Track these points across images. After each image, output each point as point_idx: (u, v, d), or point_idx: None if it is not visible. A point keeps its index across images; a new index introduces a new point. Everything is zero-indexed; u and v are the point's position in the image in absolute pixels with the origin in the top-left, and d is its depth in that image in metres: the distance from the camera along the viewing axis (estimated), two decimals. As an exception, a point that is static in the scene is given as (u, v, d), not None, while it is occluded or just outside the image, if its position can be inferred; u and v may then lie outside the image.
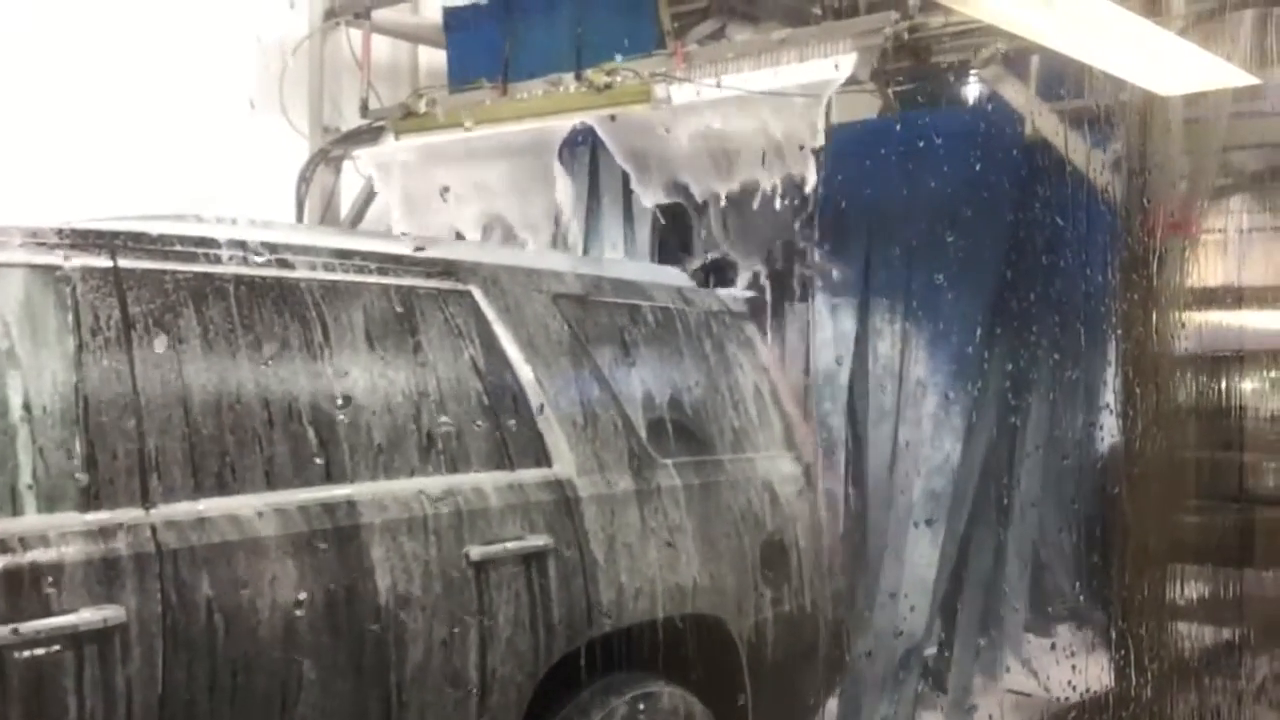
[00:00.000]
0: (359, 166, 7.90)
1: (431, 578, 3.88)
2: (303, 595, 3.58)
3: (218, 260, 3.72)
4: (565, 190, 7.35)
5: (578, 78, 7.13)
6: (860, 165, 6.89)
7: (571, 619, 4.24)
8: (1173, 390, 5.98)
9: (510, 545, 4.10)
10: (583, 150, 7.44)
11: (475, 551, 3.98)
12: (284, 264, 3.87)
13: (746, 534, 4.96)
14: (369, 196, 8.05)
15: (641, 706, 4.45)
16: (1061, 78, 6.40)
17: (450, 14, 7.86)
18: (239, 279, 3.74)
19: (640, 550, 4.51)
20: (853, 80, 6.61)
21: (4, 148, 6.48)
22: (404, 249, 4.33)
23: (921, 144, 6.82)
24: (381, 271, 4.14)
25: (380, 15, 8.24)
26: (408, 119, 7.58)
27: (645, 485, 4.61)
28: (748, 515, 4.99)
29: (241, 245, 3.79)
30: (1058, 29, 4.73)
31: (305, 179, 8.13)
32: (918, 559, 6.81)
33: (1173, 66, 5.23)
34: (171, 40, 7.36)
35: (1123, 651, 5.86)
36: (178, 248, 3.65)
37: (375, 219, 8.01)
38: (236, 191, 6.49)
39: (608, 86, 7.01)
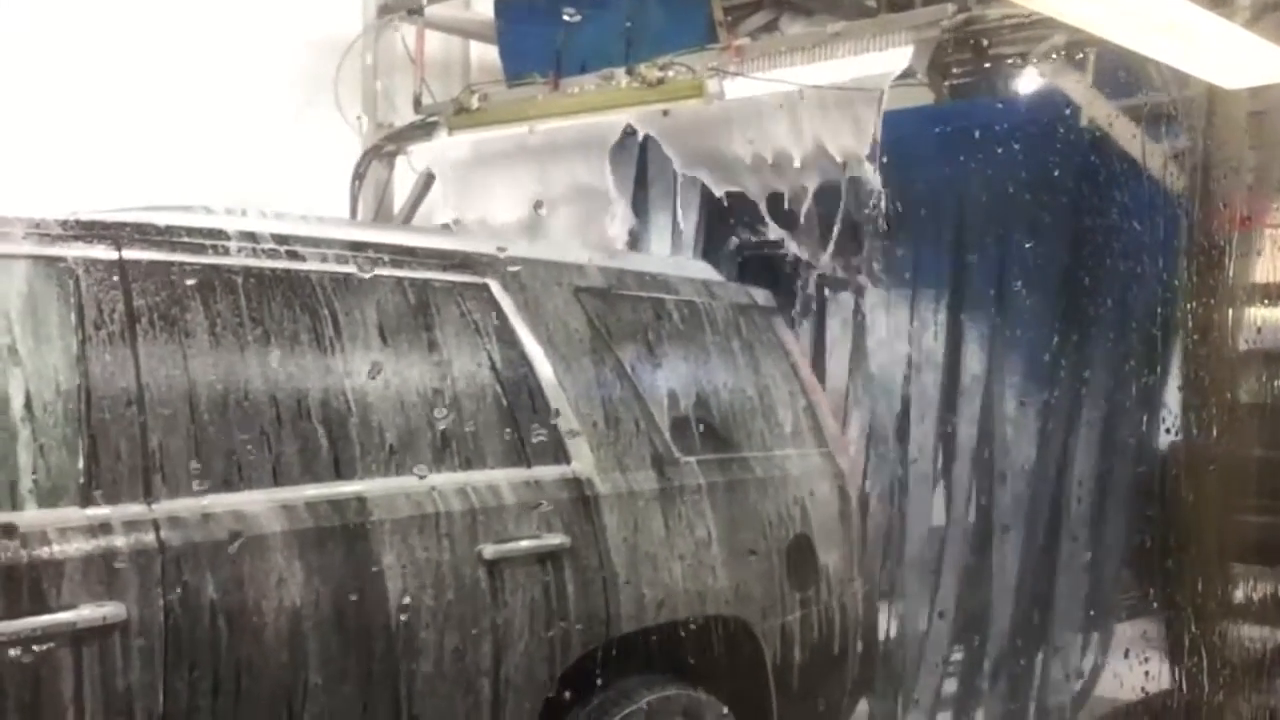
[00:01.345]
0: (412, 162, 7.81)
1: (443, 577, 3.75)
2: (310, 593, 3.48)
3: (226, 252, 3.61)
4: (614, 184, 7.24)
5: (629, 72, 7.01)
6: (913, 155, 6.72)
7: (589, 621, 4.11)
8: (1239, 388, 5.83)
9: (525, 544, 3.97)
10: (632, 141, 7.30)
11: (489, 550, 3.86)
12: (294, 256, 3.75)
13: (773, 534, 4.81)
14: (422, 192, 7.97)
15: (661, 710, 4.31)
16: (1118, 72, 6.29)
17: (502, 8, 7.75)
18: (248, 271, 3.63)
19: (661, 550, 4.37)
20: (909, 74, 6.47)
21: (63, 142, 6.44)
22: (419, 241, 4.22)
23: (977, 134, 6.68)
24: (395, 264, 4.01)
25: (433, 11, 8.13)
26: (460, 114, 7.49)
27: (668, 484, 4.46)
28: (774, 515, 4.84)
29: (251, 237, 3.69)
30: (1118, 22, 4.59)
31: (359, 175, 8.05)
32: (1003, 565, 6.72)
33: (1238, 59, 5.07)
34: (226, 36, 7.30)
35: (1186, 652, 5.71)
36: (185, 239, 3.55)
37: (427, 215, 7.91)
38: (290, 188, 6.40)
39: (660, 81, 6.91)
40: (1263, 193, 5.92)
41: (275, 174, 6.85)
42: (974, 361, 6.92)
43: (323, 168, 7.69)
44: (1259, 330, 5.82)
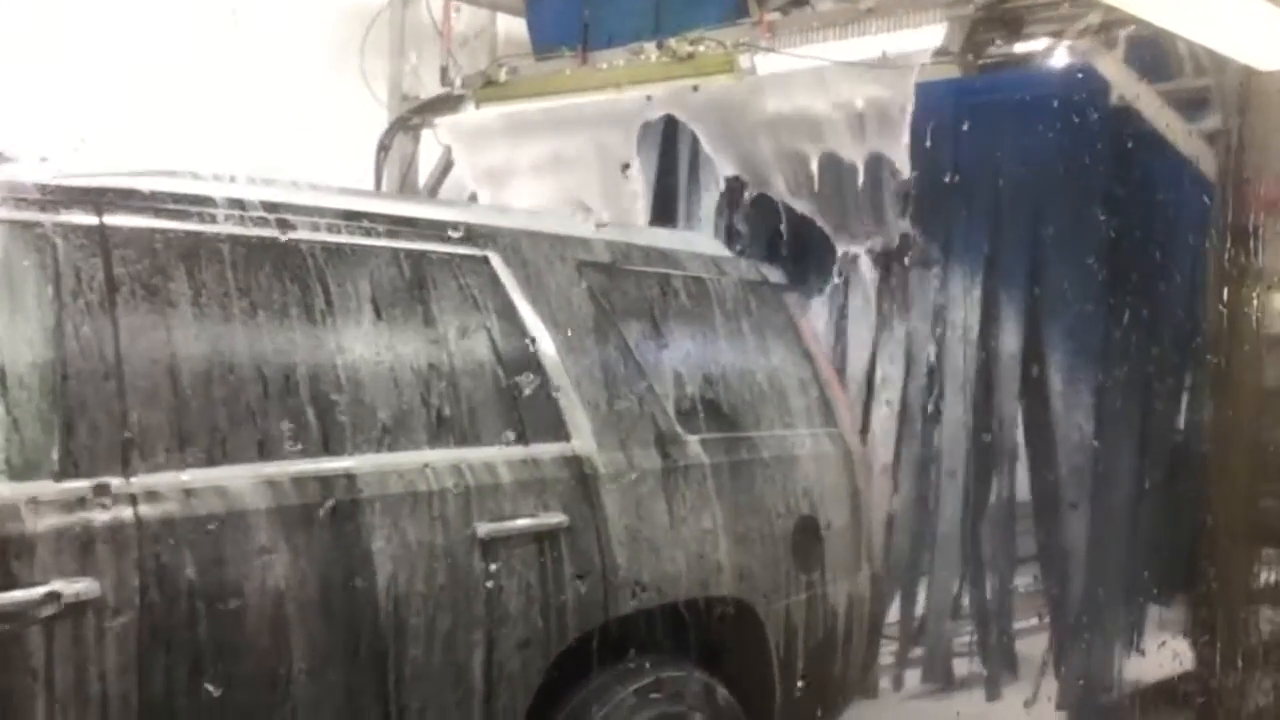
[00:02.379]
0: (438, 135, 7.70)
1: (435, 555, 3.60)
2: (295, 572, 3.32)
3: (213, 219, 3.45)
4: (638, 161, 7.11)
5: (659, 46, 6.88)
6: (946, 130, 6.65)
7: (587, 601, 3.94)
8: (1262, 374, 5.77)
9: (522, 523, 3.81)
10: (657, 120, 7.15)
11: (484, 529, 3.69)
12: (284, 225, 3.59)
13: (779, 515, 4.63)
14: (447, 165, 7.85)
15: (661, 692, 4.15)
16: (1149, 51, 6.18)
17: (530, -20, 7.65)
18: (235, 239, 3.47)
19: (663, 531, 4.20)
20: (943, 51, 6.32)
21: (90, 113, 6.35)
22: (416, 211, 4.05)
23: (1009, 109, 6.64)
24: (391, 235, 3.85)
25: (460, -17, 8.04)
26: (488, 87, 7.40)
27: (671, 463, 4.29)
28: (781, 496, 4.65)
29: (239, 204, 3.53)
30: (1154, 1, 4.54)
31: (384, 147, 7.93)
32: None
33: (1273, 40, 4.99)
34: (254, 6, 7.20)
35: (1208, 635, 5.73)
36: (169, 205, 3.39)
37: (452, 188, 7.80)
38: (315, 159, 6.30)
39: (690, 56, 6.81)
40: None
41: (300, 145, 6.73)
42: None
43: (348, 139, 7.58)
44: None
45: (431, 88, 7.92)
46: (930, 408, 7.05)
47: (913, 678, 7.50)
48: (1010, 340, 6.84)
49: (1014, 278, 6.85)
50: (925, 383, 7.05)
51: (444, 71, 7.80)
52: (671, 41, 6.83)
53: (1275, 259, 5.73)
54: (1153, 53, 6.39)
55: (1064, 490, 6.80)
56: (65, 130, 5.29)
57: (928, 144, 6.40)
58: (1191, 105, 6.18)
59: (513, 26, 8.23)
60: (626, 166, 7.24)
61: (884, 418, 7.11)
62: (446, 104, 7.70)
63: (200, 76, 6.99)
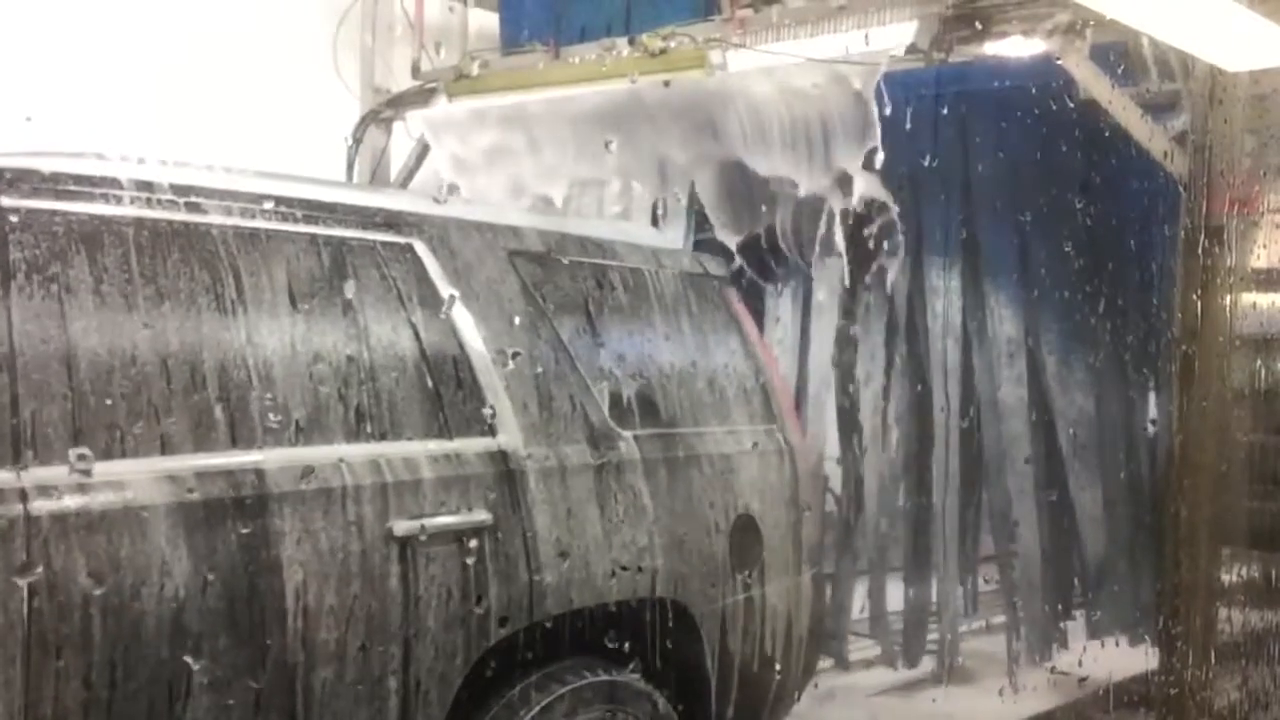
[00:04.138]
0: (410, 128, 7.51)
1: (348, 553, 3.39)
2: (197, 571, 3.12)
3: (118, 202, 3.24)
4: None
5: (631, 42, 6.72)
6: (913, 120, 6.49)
7: (510, 603, 3.73)
8: (1230, 371, 5.65)
9: (441, 520, 3.59)
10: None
11: (400, 527, 3.48)
12: (194, 208, 3.37)
13: (717, 513, 4.42)
14: (419, 158, 7.66)
15: (588, 695, 3.94)
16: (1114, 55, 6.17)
17: (503, -27, 7.46)
18: (140, 223, 3.26)
19: (594, 529, 4.00)
20: (912, 49, 6.16)
21: (63, 106, 6.18)
22: (337, 196, 3.81)
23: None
24: (309, 220, 3.62)
25: (433, -25, 7.85)
26: (460, 81, 7.20)
27: (604, 460, 4.08)
28: (719, 494, 4.45)
29: (147, 186, 3.31)
30: (1124, 1, 4.44)
31: (356, 139, 7.73)
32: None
33: (1240, 41, 4.90)
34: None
35: (1171, 633, 5.62)
36: (71, 187, 3.17)
37: (424, 181, 7.61)
38: (286, 151, 6.14)
39: (662, 51, 6.64)
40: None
41: (271, 137, 6.57)
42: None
43: (319, 132, 7.38)
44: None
45: (404, 81, 7.72)
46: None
47: (882, 674, 7.51)
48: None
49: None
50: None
51: (416, 65, 7.60)
52: (644, 37, 6.65)
53: (1237, 258, 5.57)
54: (1117, 57, 6.29)
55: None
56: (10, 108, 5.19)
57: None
58: (1157, 109, 6.09)
59: (485, 20, 8.02)
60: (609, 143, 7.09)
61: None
62: (418, 97, 7.50)
63: (171, 67, 6.81)
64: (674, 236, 7.29)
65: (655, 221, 7.00)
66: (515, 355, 3.95)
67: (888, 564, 7.56)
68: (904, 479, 7.52)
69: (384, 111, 7.71)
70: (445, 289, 3.85)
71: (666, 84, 6.69)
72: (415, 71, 7.61)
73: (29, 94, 6.11)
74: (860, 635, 7.78)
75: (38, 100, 6.01)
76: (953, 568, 7.40)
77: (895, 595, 7.67)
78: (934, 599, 7.55)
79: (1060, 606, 7.67)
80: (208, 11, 6.97)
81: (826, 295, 7.25)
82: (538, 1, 7.21)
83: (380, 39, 7.79)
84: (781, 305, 7.62)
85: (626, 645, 4.06)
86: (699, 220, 7.61)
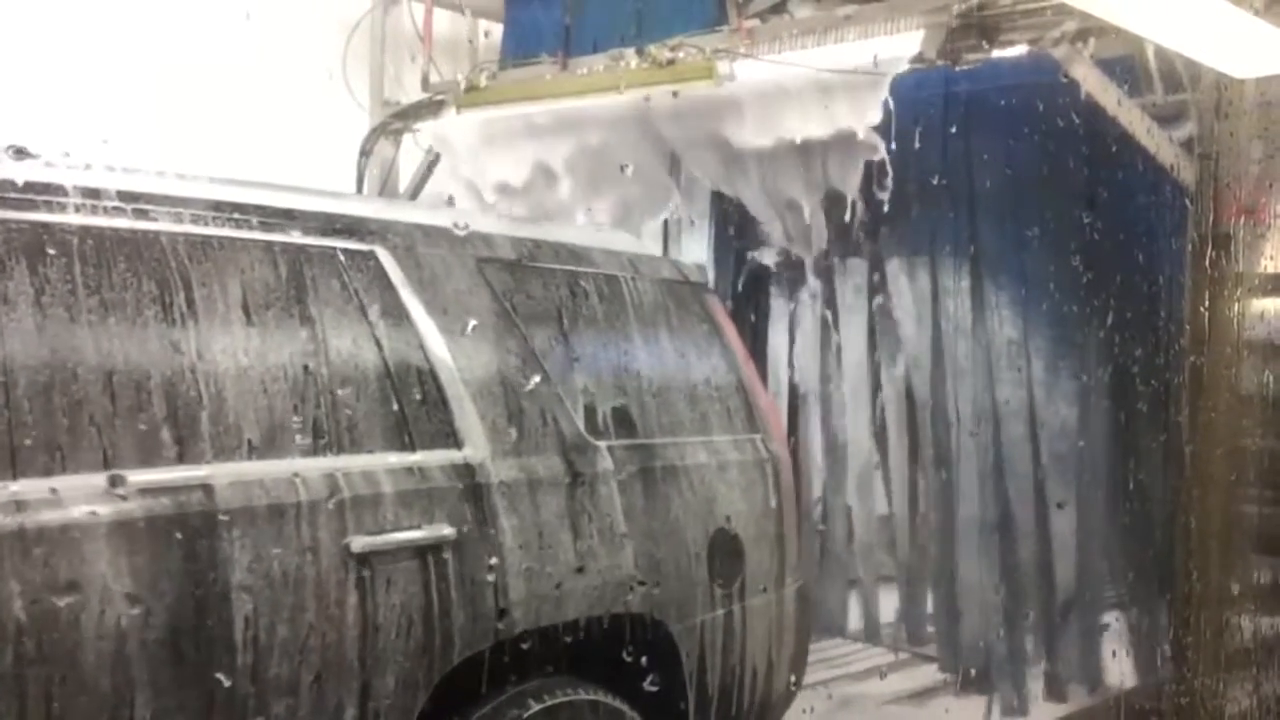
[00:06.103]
0: (419, 140, 7.39)
1: (302, 570, 3.20)
2: (139, 591, 2.94)
3: (61, 209, 3.06)
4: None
5: (639, 53, 6.59)
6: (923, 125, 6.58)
7: (475, 621, 3.54)
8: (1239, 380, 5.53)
9: (402, 535, 3.41)
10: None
11: (358, 543, 3.29)
12: (143, 215, 3.19)
13: (695, 526, 4.22)
14: (428, 170, 7.54)
15: (562, 715, 3.75)
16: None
17: (511, -13, 7.34)
18: (85, 231, 3.08)
19: (565, 543, 3.80)
20: (919, 59, 6.07)
21: (71, 116, 6.08)
22: (295, 203, 3.60)
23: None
24: (265, 227, 3.43)
25: (442, -11, 7.75)
26: (470, 93, 7.08)
27: (577, 472, 3.89)
28: (697, 506, 4.25)
29: (93, 193, 3.13)
30: (1131, 9, 4.33)
31: (365, 152, 7.63)
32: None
33: (1248, 48, 4.77)
34: (235, 11, 6.93)
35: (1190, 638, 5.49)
36: (11, 194, 2.99)
37: (432, 193, 7.51)
38: (296, 164, 6.04)
39: (671, 62, 6.54)
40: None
41: (281, 150, 6.47)
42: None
43: (330, 144, 7.29)
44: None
45: (413, 93, 7.60)
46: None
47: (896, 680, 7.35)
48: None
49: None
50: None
51: (425, 77, 7.49)
52: (652, 48, 6.55)
53: (1246, 265, 5.43)
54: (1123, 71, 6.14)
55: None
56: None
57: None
58: (1164, 121, 5.92)
59: (494, 32, 7.91)
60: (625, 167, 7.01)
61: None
62: (428, 109, 7.39)
63: (182, 80, 6.71)
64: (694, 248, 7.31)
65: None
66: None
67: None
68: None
69: (393, 124, 7.60)
70: (409, 297, 3.67)
71: (675, 95, 6.59)
72: (424, 84, 7.49)
73: (29, 102, 5.99)
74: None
75: (42, 113, 5.92)
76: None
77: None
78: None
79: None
80: (217, 25, 6.83)
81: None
82: (546, 13, 7.09)
83: (389, 51, 7.70)
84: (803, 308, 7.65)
85: (601, 663, 3.87)
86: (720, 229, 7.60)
